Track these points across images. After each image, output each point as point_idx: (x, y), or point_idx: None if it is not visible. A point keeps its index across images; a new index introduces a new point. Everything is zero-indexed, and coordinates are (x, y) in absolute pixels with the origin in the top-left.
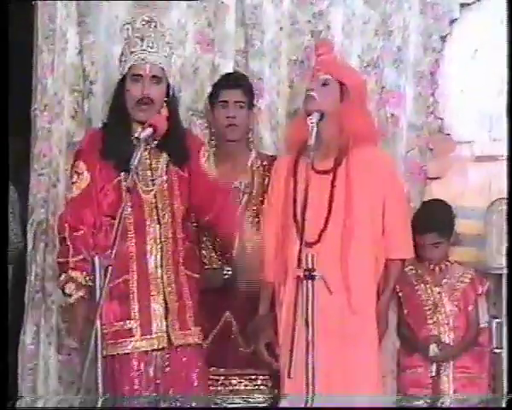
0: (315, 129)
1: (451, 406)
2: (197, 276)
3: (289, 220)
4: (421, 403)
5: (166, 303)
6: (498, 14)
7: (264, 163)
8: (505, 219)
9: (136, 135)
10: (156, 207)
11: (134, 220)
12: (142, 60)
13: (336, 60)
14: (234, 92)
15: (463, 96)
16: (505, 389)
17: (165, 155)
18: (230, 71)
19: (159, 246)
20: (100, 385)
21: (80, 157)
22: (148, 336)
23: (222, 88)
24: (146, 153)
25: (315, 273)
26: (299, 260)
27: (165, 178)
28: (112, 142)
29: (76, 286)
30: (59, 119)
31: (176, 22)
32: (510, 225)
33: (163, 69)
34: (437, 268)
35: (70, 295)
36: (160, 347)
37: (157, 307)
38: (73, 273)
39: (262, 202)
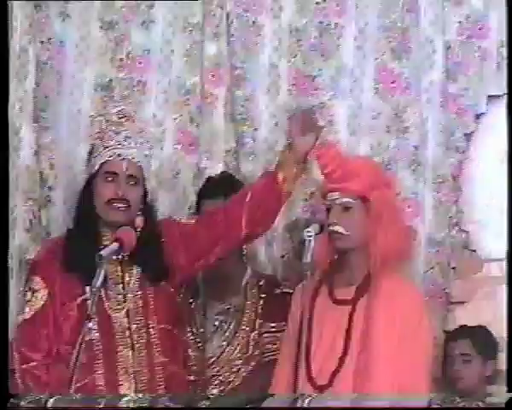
0: (312, 244)
1: None
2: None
3: (301, 358)
4: None
5: None
6: None
7: (261, 283)
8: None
9: (100, 252)
10: (129, 329)
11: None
12: (119, 155)
13: (351, 168)
14: (217, 201)
15: (492, 204)
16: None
17: (137, 269)
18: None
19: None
20: None
21: (37, 271)
22: None
23: (204, 197)
24: (117, 265)
25: None
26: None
27: (139, 293)
28: (76, 252)
29: None
30: (10, 232)
31: (151, 117)
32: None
33: (141, 169)
34: None
35: None
36: None
37: None
38: None
39: (253, 329)
